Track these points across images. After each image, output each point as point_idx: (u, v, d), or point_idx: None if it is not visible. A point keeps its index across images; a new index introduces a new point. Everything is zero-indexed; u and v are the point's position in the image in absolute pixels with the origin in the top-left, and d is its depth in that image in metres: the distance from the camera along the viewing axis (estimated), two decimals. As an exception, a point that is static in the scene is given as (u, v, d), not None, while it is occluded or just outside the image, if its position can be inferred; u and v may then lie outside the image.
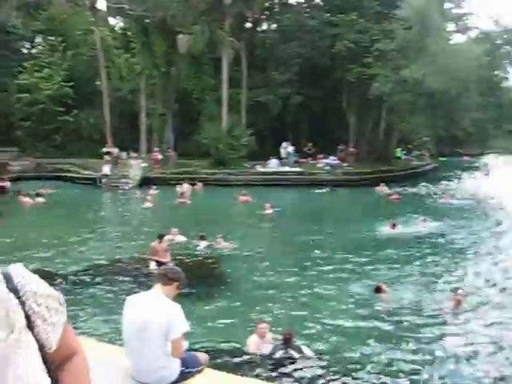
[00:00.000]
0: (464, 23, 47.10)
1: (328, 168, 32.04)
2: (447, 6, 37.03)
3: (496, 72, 66.99)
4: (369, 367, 6.94)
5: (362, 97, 34.54)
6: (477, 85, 48.02)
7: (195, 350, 5.28)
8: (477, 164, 51.82)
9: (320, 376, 6.68)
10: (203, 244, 14.00)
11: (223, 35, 28.84)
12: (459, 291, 9.51)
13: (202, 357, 4.67)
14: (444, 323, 8.75)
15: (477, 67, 45.18)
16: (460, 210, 21.45)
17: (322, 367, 6.93)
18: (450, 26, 43.66)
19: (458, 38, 49.13)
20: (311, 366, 6.85)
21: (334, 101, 34.94)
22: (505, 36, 65.17)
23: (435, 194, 26.95)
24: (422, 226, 17.04)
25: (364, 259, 12.96)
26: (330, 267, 12.09)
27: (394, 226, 16.38)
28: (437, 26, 35.71)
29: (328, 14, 33.96)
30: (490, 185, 30.60)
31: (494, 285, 10.75)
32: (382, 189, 27.05)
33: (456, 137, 58.83)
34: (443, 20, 37.68)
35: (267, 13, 35.87)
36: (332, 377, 6.66)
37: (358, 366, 6.98)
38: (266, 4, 34.70)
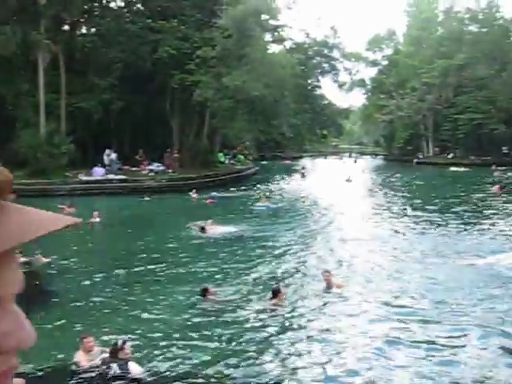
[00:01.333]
0: (279, 34, 52.40)
1: (152, 174, 33.65)
2: (264, 17, 41.19)
3: (309, 81, 75.50)
4: (208, 371, 7.50)
5: (185, 102, 36.69)
6: (292, 92, 53.98)
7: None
8: (295, 167, 57.62)
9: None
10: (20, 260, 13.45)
11: (38, 37, 28.72)
12: (326, 273, 10.69)
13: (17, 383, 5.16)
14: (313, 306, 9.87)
15: (292, 76, 50.85)
16: (275, 212, 23.68)
17: (152, 377, 7.38)
18: (267, 37, 48.27)
19: (274, 48, 54.56)
20: (134, 380, 7.09)
21: (158, 106, 36.55)
22: (315, 48, 73.73)
23: (253, 197, 28.98)
24: (234, 227, 18.60)
25: (187, 261, 14.02)
26: (156, 274, 12.74)
27: (203, 229, 17.77)
28: (255, 36, 39.64)
29: (149, 20, 35.54)
30: (305, 186, 35.04)
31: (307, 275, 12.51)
32: (194, 195, 28.59)
33: (276, 141, 64.35)
34: (261, 30, 41.78)
35: (86, 16, 36.18)
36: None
37: (194, 371, 7.50)
38: (85, 7, 35.03)
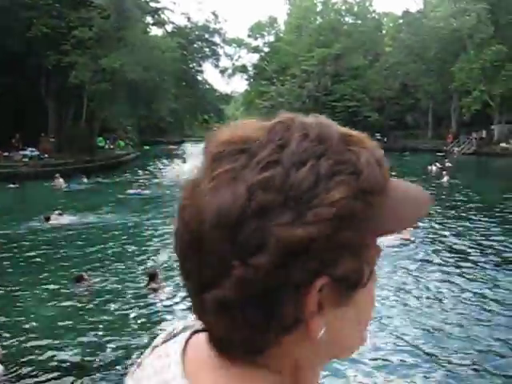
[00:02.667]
0: (160, 17, 53.48)
1: (26, 160, 32.85)
2: (144, -1, 42.00)
3: (191, 65, 77.31)
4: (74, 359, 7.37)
5: (61, 85, 36.73)
6: (173, 76, 55.47)
7: None
8: (177, 152, 59.03)
9: None
10: None
11: None
12: None
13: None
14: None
15: (172, 60, 52.32)
16: (150, 198, 23.13)
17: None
18: (148, 19, 49.12)
19: (154, 31, 55.48)
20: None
21: (33, 88, 36.21)
22: (196, 32, 75.56)
23: (130, 183, 28.12)
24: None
25: (54, 252, 13.47)
26: (30, 267, 12.14)
27: (47, 219, 16.64)
28: (134, 18, 40.46)
29: (20, -6, 34.69)
30: (186, 171, 36.27)
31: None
32: (57, 181, 27.31)
33: (158, 126, 65.41)
34: (141, 12, 42.66)
35: None
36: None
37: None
38: None
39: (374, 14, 74.61)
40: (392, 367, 6.79)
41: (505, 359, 6.88)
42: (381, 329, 7.93)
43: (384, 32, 74.56)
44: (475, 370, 6.67)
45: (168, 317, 8.95)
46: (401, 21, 69.05)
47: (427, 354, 7.18)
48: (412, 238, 13.48)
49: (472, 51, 53.48)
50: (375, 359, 6.97)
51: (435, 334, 7.69)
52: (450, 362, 6.84)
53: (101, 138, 44.23)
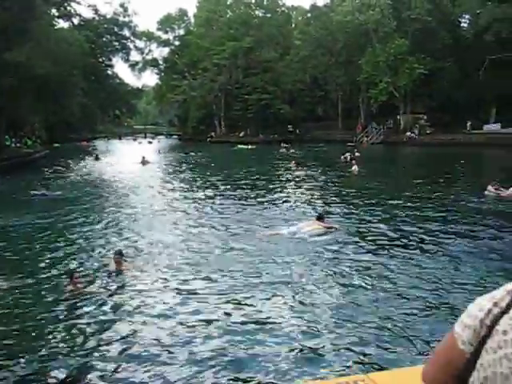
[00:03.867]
0: (66, 9, 52.21)
1: None
2: (48, -10, 41.01)
3: (101, 59, 75.93)
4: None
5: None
6: (82, 71, 54.47)
7: None
8: (89, 149, 57.94)
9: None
10: None
11: None
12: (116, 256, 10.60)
13: None
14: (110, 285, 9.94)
15: (81, 54, 51.39)
16: (57, 199, 21.53)
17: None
18: (53, 11, 47.88)
19: (61, 24, 54.04)
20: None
21: None
22: (105, 25, 74.20)
23: (35, 183, 25.98)
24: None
25: None
26: None
27: None
28: (39, 9, 39.40)
29: None
30: (98, 169, 35.71)
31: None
32: None
33: (68, 122, 63.84)
34: (46, 4, 41.61)
35: None
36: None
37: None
38: None
39: (283, 8, 76.44)
40: (319, 349, 7.18)
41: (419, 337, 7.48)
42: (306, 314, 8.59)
43: (293, 25, 76.52)
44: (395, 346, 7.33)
45: (83, 318, 8.46)
46: (309, 15, 71.16)
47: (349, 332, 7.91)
48: (336, 226, 14.13)
49: (377, 44, 56.23)
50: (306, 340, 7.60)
51: (355, 323, 8.05)
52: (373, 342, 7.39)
53: (6, 137, 42.80)
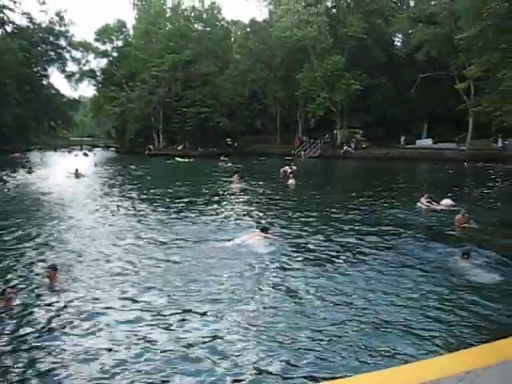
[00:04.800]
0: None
1: None
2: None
3: (35, 69, 73.92)
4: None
5: None
6: (16, 80, 52.86)
7: None
8: (22, 161, 55.93)
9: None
10: None
11: None
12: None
13: None
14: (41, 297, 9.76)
15: (15, 62, 49.91)
16: None
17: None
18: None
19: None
20: None
21: None
22: (40, 34, 72.32)
23: None
24: None
25: None
26: None
27: None
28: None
29: None
30: (30, 182, 34.13)
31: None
32: None
33: (0, 133, 61.66)
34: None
35: None
36: None
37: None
38: None
39: (222, 22, 76.84)
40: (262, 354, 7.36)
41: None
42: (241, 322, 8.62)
43: (233, 40, 77.03)
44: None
45: (18, 334, 8.22)
46: (248, 29, 71.81)
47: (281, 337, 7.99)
48: (280, 239, 14.28)
49: (315, 60, 57.30)
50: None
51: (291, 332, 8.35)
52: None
53: None
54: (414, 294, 9.73)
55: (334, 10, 62.98)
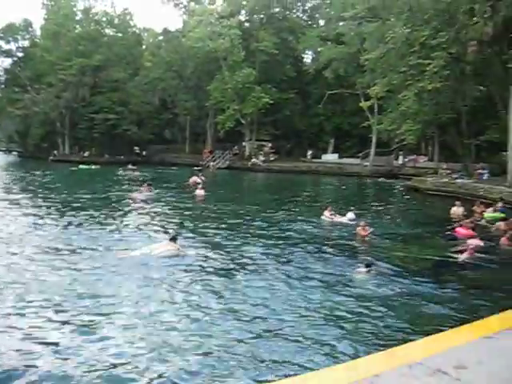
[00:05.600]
0: None
1: None
2: None
3: None
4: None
5: None
6: None
7: None
8: None
9: None
10: None
11: None
12: None
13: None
14: None
15: None
16: None
17: None
18: None
19: None
20: None
21: None
22: None
23: None
24: None
25: None
26: None
27: None
28: None
29: None
30: None
31: None
32: None
33: None
34: None
35: None
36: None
37: None
38: None
39: (134, 29, 75.40)
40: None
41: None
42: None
43: (144, 47, 75.71)
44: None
45: None
46: (161, 37, 70.94)
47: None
48: (188, 249, 14.27)
49: (226, 72, 57.41)
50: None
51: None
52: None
53: None
54: (317, 305, 9.87)
55: (246, 24, 63.50)
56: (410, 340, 5.85)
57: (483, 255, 14.06)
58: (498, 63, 30.24)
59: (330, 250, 15.08)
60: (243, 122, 59.30)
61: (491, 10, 28.78)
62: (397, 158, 51.80)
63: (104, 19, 71.78)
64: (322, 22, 65.07)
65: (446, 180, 33.62)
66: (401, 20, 35.00)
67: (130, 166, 49.28)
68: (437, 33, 31.64)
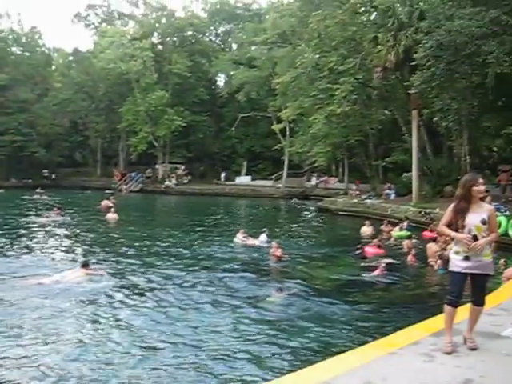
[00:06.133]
0: None
1: None
2: None
3: None
4: None
5: None
6: None
7: None
8: None
9: None
10: None
11: None
12: None
13: None
14: None
15: None
16: None
17: None
18: None
19: None
20: None
21: None
22: None
23: None
24: None
25: None
26: None
27: None
28: None
29: None
30: None
31: None
32: None
33: None
34: None
35: None
36: None
37: None
38: None
39: (43, 48, 72.83)
40: None
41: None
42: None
43: (54, 67, 73.29)
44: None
45: None
46: (71, 58, 68.96)
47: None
48: (102, 273, 13.93)
49: (138, 94, 56.60)
50: None
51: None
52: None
53: None
54: (225, 328, 9.77)
55: (159, 47, 63.11)
56: (317, 361, 5.81)
57: (391, 273, 14.37)
58: (401, 89, 31.58)
59: (243, 272, 14.96)
60: (156, 144, 58.58)
61: (393, 39, 30.15)
62: (309, 180, 52.82)
63: (10, 37, 68.93)
64: (234, 46, 65.90)
65: (356, 200, 34.50)
66: (310, 46, 36.00)
67: (38, 190, 47.03)
68: (344, 59, 32.77)
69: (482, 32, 21.80)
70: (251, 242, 19.96)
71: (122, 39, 56.62)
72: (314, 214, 36.06)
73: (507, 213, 15.33)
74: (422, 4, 29.65)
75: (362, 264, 16.13)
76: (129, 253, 17.90)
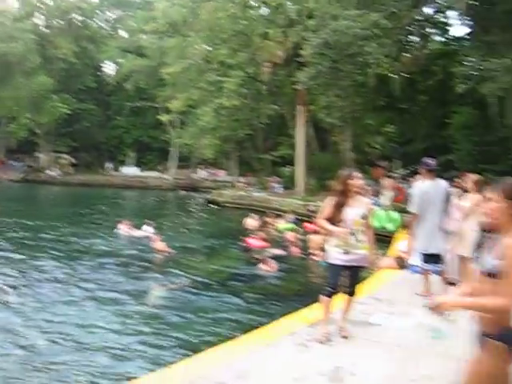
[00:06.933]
0: None
1: None
2: None
3: None
4: None
5: None
6: None
7: None
8: None
9: None
10: None
11: None
12: None
13: None
14: None
15: None
16: None
17: None
18: None
19: None
20: None
21: None
22: None
23: None
24: None
25: None
26: None
27: None
28: None
29: None
30: None
31: None
32: None
33: None
34: None
35: None
36: None
37: None
38: None
39: None
40: None
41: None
42: None
43: None
44: None
45: None
46: None
47: None
48: None
49: (20, 79, 53.06)
50: None
51: None
52: None
53: None
54: (111, 321, 9.39)
55: (44, 29, 59.50)
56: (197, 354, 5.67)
57: (276, 264, 14.37)
58: (289, 84, 32.02)
59: (126, 265, 14.41)
60: (38, 131, 55.36)
61: (283, 35, 30.49)
62: (197, 172, 52.47)
63: None
64: (124, 34, 63.83)
65: (243, 193, 34.62)
66: (201, 37, 35.53)
67: None
68: (235, 52, 32.67)
69: (365, 34, 22.56)
70: (134, 233, 19.29)
71: (3, 20, 52.76)
72: (201, 206, 35.75)
73: (384, 206, 15.84)
74: (310, 3, 30.15)
75: (247, 256, 16.06)
76: (3, 247, 16.59)
